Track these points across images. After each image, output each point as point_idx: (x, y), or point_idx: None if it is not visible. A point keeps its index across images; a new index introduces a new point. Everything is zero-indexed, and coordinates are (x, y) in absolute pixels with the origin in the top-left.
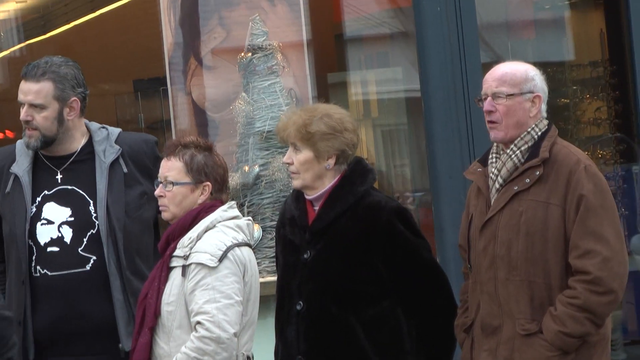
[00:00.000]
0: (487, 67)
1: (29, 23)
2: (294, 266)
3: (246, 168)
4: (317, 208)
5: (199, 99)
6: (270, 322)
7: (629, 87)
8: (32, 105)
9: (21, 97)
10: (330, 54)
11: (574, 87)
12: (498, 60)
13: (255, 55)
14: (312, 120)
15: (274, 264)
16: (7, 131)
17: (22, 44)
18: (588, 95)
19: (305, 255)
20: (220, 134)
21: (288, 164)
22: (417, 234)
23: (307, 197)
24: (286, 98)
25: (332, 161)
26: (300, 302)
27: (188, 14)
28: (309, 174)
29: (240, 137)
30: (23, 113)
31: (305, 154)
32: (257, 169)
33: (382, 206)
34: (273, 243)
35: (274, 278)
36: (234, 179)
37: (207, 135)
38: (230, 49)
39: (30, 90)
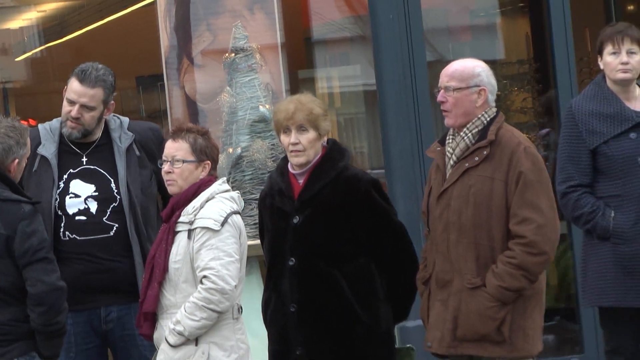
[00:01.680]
0: (431, 65)
1: (48, 29)
2: (284, 230)
3: (230, 150)
4: (301, 181)
5: (191, 92)
6: (251, 279)
7: (550, 81)
8: (84, 106)
9: (74, 97)
10: (300, 54)
11: (504, 81)
12: (441, 59)
13: (237, 56)
14: (313, 106)
15: (255, 230)
16: (30, 120)
17: (42, 47)
18: (516, 88)
19: (294, 220)
20: (209, 121)
21: (295, 143)
22: (387, 201)
23: (292, 171)
24: (263, 91)
25: (325, 139)
26: (292, 259)
27: (181, 21)
28: (313, 150)
29: (225, 124)
30: (75, 111)
31: (312, 133)
32: (239, 150)
33: (360, 178)
34: (253, 212)
35: (254, 242)
36: (220, 159)
37: (197, 122)
38: (216, 50)
39: (85, 94)
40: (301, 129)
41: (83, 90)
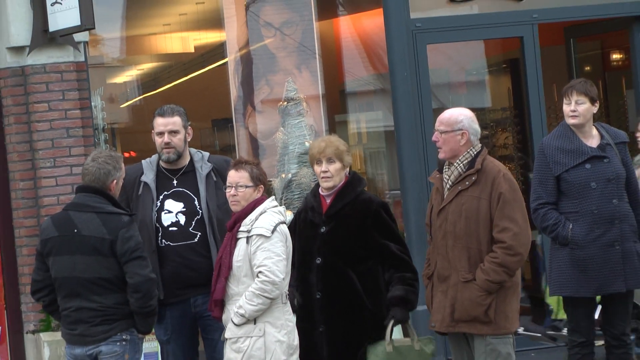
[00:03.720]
0: (436, 111)
1: (144, 83)
2: (313, 236)
3: (283, 175)
4: (328, 201)
5: (253, 131)
6: None
7: (526, 123)
8: (171, 132)
9: (162, 128)
10: (336, 102)
11: (491, 124)
12: (443, 107)
13: (289, 104)
14: (339, 144)
15: None
16: (131, 152)
17: (140, 97)
18: (500, 129)
19: (322, 230)
20: (266, 153)
21: (325, 171)
22: (392, 219)
23: (322, 194)
24: (308, 131)
25: (347, 170)
26: (319, 258)
27: (246, 78)
28: (338, 177)
29: (279, 156)
30: (166, 137)
31: (337, 164)
32: (290, 176)
33: (372, 200)
34: None
35: None
36: (275, 182)
37: (258, 155)
38: (273, 99)
39: (168, 122)
40: (330, 160)
41: (165, 121)
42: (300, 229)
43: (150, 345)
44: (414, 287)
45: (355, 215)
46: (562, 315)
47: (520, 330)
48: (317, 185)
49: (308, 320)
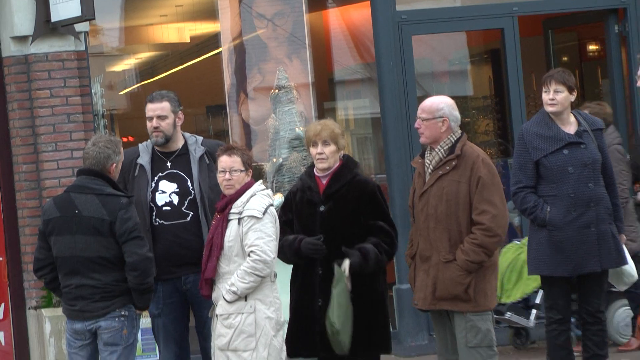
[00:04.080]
0: (420, 99)
1: (142, 71)
2: (312, 215)
3: (274, 159)
4: (325, 181)
5: (246, 117)
6: None
7: (506, 111)
8: (159, 117)
9: (150, 113)
10: (325, 90)
11: (473, 111)
12: (427, 95)
13: (280, 92)
14: (334, 127)
15: None
16: (129, 137)
17: (138, 85)
18: (481, 117)
19: (321, 208)
20: (258, 139)
21: (320, 153)
22: (385, 200)
23: (317, 174)
24: (298, 117)
25: (341, 153)
26: (320, 236)
27: (239, 66)
28: (333, 159)
29: (270, 141)
30: (154, 122)
31: (332, 147)
32: (280, 160)
33: (368, 182)
34: None
35: None
36: (267, 166)
37: (250, 139)
38: (264, 87)
39: (157, 108)
40: (325, 143)
41: (154, 106)
42: (298, 208)
43: (147, 321)
44: (381, 254)
45: (352, 195)
46: (506, 299)
47: None
48: (311, 167)
49: (307, 292)
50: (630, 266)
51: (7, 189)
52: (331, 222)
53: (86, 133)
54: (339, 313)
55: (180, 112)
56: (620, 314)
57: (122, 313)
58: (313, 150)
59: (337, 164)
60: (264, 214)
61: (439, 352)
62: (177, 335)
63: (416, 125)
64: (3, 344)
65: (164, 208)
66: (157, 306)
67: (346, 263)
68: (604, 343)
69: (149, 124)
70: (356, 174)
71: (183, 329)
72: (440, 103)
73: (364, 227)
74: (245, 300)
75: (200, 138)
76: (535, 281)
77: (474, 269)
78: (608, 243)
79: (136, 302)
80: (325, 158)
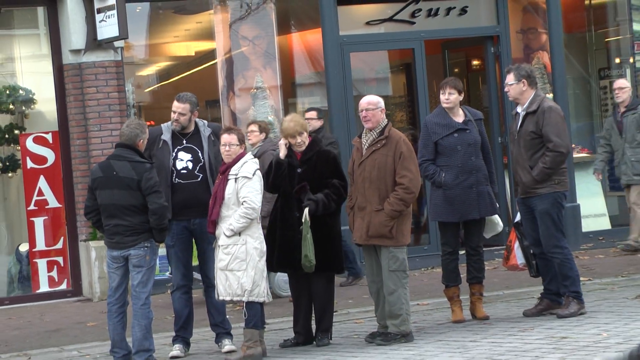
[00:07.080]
0: (356, 98)
1: (161, 76)
2: (292, 174)
3: None
4: (300, 153)
5: (233, 109)
6: None
7: (415, 107)
8: (180, 113)
9: (175, 109)
10: (289, 90)
11: (392, 106)
12: (360, 94)
13: (257, 91)
14: (303, 122)
15: None
16: (151, 122)
17: (157, 85)
18: (398, 110)
19: (298, 170)
20: (242, 124)
21: (299, 143)
22: (339, 163)
23: (295, 149)
24: (270, 109)
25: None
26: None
27: (229, 73)
28: (306, 141)
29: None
30: (176, 115)
31: (305, 134)
32: None
33: (329, 152)
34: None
35: None
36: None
37: (236, 124)
38: (247, 88)
39: (179, 107)
40: (300, 134)
41: (178, 105)
42: (282, 171)
43: (162, 250)
44: (329, 202)
45: (320, 160)
46: None
47: None
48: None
49: (289, 229)
50: (498, 217)
51: (66, 157)
52: (305, 178)
53: (121, 118)
54: (312, 249)
55: (196, 111)
56: None
57: (146, 244)
58: (292, 140)
59: (307, 143)
60: (253, 175)
61: (367, 275)
62: (185, 260)
63: (364, 114)
64: (62, 265)
65: (182, 171)
66: (172, 239)
67: (306, 211)
68: (482, 269)
69: (172, 115)
70: (320, 147)
71: (188, 256)
72: (378, 98)
73: (324, 183)
74: (239, 235)
75: (206, 122)
76: None
77: (397, 216)
78: (485, 199)
79: (155, 237)
80: (302, 144)
